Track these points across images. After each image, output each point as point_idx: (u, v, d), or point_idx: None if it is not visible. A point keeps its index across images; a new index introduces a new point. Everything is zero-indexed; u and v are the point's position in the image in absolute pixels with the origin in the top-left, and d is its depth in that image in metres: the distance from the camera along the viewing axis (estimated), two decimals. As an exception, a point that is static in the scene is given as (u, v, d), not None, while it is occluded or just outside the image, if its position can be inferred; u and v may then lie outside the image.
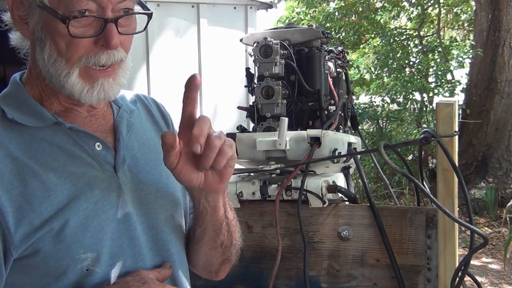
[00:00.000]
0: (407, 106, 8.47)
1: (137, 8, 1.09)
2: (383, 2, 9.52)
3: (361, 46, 9.41)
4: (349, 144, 1.74)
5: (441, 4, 9.17)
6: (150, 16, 1.09)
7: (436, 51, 8.31)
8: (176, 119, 1.34)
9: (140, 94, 1.31)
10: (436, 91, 8.04)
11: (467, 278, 1.47)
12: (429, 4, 9.32)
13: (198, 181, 1.03)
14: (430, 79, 8.42)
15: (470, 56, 7.62)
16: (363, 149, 2.12)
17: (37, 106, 1.06)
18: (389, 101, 8.47)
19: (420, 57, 8.51)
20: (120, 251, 1.06)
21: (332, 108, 1.76)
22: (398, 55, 8.45)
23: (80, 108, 1.10)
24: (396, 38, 8.62)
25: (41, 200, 0.99)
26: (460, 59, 7.92)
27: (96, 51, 1.02)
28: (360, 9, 9.22)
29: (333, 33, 8.72)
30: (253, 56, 1.71)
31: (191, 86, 0.97)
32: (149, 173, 1.16)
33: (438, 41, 8.69)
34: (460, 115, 7.29)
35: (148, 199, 1.13)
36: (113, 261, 1.05)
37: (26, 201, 0.98)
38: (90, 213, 1.03)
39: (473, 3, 8.66)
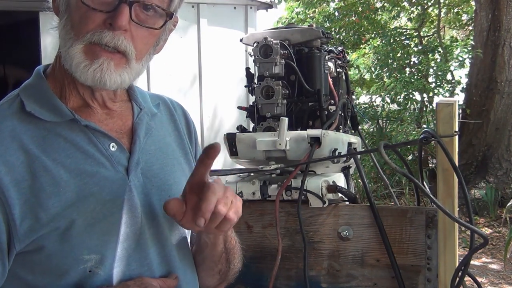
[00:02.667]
0: (407, 106, 8.48)
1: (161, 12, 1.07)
2: (383, 2, 9.53)
3: (361, 46, 9.42)
4: (349, 144, 1.74)
5: (441, 4, 9.18)
6: (169, 16, 1.07)
7: (436, 51, 8.32)
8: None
9: (167, 97, 1.30)
10: (436, 91, 8.05)
11: (467, 278, 1.47)
12: (429, 4, 9.32)
13: (200, 229, 1.05)
14: (430, 79, 8.43)
15: (471, 55, 7.63)
16: (363, 149, 2.12)
17: (56, 101, 1.06)
18: (389, 101, 8.48)
19: (420, 57, 8.52)
20: (125, 255, 1.06)
21: (332, 108, 1.76)
22: (398, 55, 8.47)
23: (94, 104, 1.09)
24: (396, 38, 8.63)
25: (49, 195, 0.98)
26: (461, 58, 7.93)
27: (102, 28, 1.00)
28: (360, 9, 9.23)
29: (333, 33, 8.73)
30: (253, 56, 1.71)
31: (210, 154, 1.00)
32: (163, 179, 1.15)
33: (438, 41, 8.70)
34: (460, 115, 7.29)
35: (159, 205, 1.12)
36: (117, 264, 1.04)
37: (34, 195, 0.97)
38: (98, 214, 1.02)
39: (473, 3, 8.66)
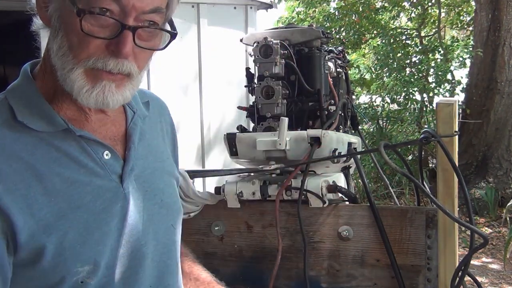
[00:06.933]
0: (407, 106, 8.48)
1: (166, 26, 1.04)
2: (383, 2, 9.53)
3: (362, 46, 9.42)
4: (349, 144, 1.74)
5: (442, 4, 9.18)
6: (173, 36, 1.04)
7: (436, 51, 8.32)
8: (174, 118, 1.35)
9: (154, 95, 1.28)
10: (436, 91, 8.04)
11: (467, 278, 1.47)
12: (430, 4, 9.32)
13: None
14: (430, 79, 8.43)
15: (471, 55, 7.62)
16: (363, 149, 2.12)
17: (48, 109, 1.02)
18: (389, 101, 8.48)
19: (421, 57, 8.52)
20: (118, 262, 1.03)
21: (332, 108, 1.76)
22: (398, 55, 8.47)
23: (90, 111, 1.06)
24: (396, 38, 8.63)
25: (41, 206, 0.95)
26: (461, 58, 7.92)
27: (105, 54, 0.96)
28: (360, 9, 9.23)
29: (333, 33, 8.74)
30: (253, 56, 1.71)
31: None
32: (154, 183, 1.13)
33: (438, 41, 8.70)
34: (460, 115, 7.29)
35: (152, 209, 1.11)
36: (109, 272, 1.02)
37: (27, 205, 0.94)
38: (91, 225, 0.99)
39: (473, 3, 8.66)
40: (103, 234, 1.01)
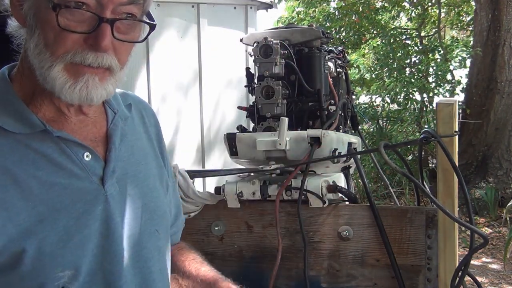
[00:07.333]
0: (407, 106, 8.48)
1: (144, 18, 1.02)
2: (383, 2, 9.53)
3: (362, 46, 9.42)
4: (349, 144, 1.74)
5: (442, 4, 9.18)
6: (152, 27, 1.03)
7: (436, 51, 8.32)
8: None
9: (137, 98, 1.25)
10: (436, 91, 8.05)
11: (467, 278, 1.47)
12: (430, 4, 9.33)
13: None
14: (430, 79, 8.43)
15: (470, 55, 7.63)
16: (363, 149, 2.12)
17: (25, 110, 0.99)
18: (389, 101, 8.48)
19: (421, 57, 8.52)
20: (99, 267, 1.01)
21: (332, 108, 1.76)
22: (398, 55, 8.47)
23: (69, 112, 1.03)
24: (396, 38, 8.63)
25: (19, 210, 0.93)
26: (460, 58, 7.93)
27: (83, 48, 0.94)
28: (360, 9, 9.23)
29: (333, 33, 8.74)
30: (253, 56, 1.71)
31: None
32: (137, 186, 1.10)
33: (438, 41, 8.70)
34: (460, 115, 7.29)
35: (135, 214, 1.08)
36: (91, 278, 0.99)
37: (4, 209, 0.92)
38: (71, 228, 0.97)
39: (473, 3, 8.66)
40: (84, 237, 0.98)
